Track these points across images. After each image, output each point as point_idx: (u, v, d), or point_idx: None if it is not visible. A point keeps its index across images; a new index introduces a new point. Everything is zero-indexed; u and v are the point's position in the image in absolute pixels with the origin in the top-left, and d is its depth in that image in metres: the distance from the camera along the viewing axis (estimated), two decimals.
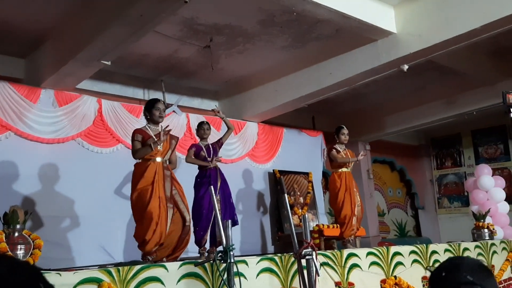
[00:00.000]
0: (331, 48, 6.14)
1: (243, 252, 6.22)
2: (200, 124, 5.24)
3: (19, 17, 4.91)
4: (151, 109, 4.25)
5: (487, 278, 1.31)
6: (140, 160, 4.12)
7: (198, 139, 5.32)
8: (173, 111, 6.44)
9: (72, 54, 4.90)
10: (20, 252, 2.90)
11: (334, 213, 6.09)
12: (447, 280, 1.30)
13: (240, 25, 5.51)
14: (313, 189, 7.93)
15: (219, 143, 5.20)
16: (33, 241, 3.04)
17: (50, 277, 2.61)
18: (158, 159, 4.09)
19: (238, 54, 6.24)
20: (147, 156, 4.06)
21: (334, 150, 5.88)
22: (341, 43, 6.03)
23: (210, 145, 5.12)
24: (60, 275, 2.69)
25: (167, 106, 6.47)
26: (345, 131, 5.90)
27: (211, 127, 5.43)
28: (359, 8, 5.06)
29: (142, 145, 4.10)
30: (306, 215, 3.32)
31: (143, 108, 4.37)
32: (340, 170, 5.88)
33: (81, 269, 3.13)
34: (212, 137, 5.39)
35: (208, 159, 5.01)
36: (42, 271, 1.06)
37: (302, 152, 8.02)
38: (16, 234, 3.01)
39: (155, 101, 4.34)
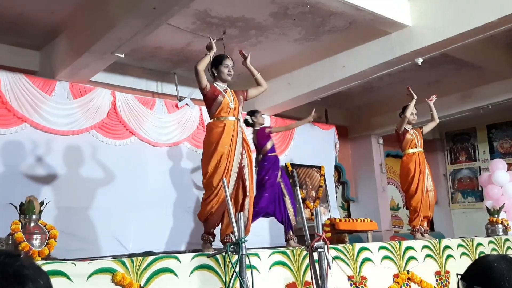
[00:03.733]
0: (345, 41, 6.09)
1: (262, 244, 6.20)
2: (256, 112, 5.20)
3: (34, 9, 4.96)
4: (218, 66, 3.87)
5: None
6: (212, 120, 3.79)
7: None
8: (186, 103, 6.46)
9: (86, 46, 4.94)
10: (35, 242, 2.94)
11: (406, 199, 5.75)
12: None
13: (253, 18, 5.49)
14: (325, 183, 7.92)
15: None
16: (48, 231, 3.08)
17: (65, 267, 2.66)
18: (231, 118, 3.75)
19: (251, 47, 6.21)
20: (223, 114, 3.73)
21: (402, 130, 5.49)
22: (354, 36, 5.98)
23: None
24: (75, 265, 2.73)
25: (180, 99, 6.50)
26: (414, 110, 5.57)
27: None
28: (373, 1, 5.00)
29: (210, 100, 3.76)
30: (318, 208, 3.31)
31: (210, 66, 3.91)
32: (411, 151, 5.51)
33: (95, 259, 3.17)
34: None
35: None
36: (25, 260, 0.99)
37: (315, 145, 8.00)
38: (32, 224, 3.04)
39: (223, 57, 3.88)
